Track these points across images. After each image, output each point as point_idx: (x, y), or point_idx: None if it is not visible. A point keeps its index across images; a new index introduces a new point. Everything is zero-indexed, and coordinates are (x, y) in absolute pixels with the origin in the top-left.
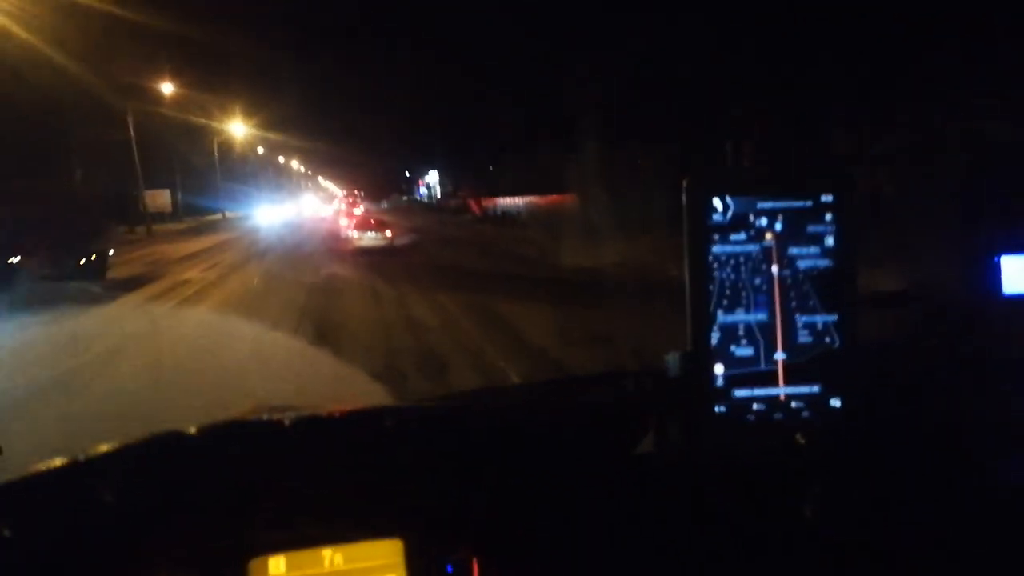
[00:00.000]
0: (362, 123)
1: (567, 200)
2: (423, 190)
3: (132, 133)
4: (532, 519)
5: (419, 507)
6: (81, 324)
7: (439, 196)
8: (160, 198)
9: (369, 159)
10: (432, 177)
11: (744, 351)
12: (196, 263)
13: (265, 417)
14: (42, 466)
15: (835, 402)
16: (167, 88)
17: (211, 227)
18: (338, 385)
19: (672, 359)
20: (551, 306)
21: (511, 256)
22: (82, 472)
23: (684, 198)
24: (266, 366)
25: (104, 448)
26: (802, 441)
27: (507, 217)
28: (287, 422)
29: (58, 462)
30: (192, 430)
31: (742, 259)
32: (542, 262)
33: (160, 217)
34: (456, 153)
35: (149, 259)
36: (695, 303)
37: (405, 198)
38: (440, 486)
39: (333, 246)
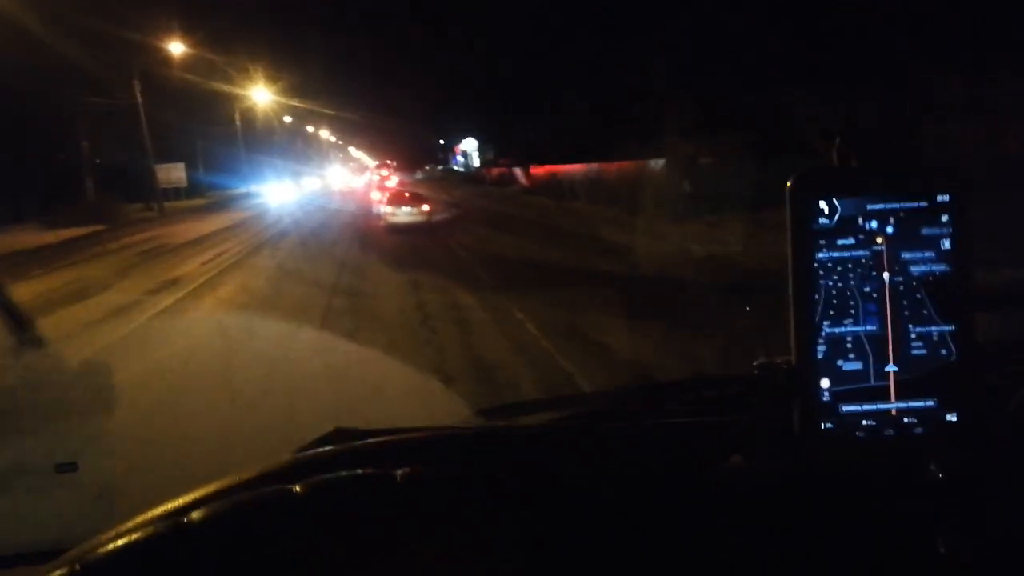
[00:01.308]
0: (395, 88)
1: (641, 168)
2: (459, 158)
3: (139, 97)
4: (620, 544)
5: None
6: None
7: (477, 165)
8: (174, 172)
9: (402, 127)
10: (469, 144)
11: (852, 365)
12: (198, 252)
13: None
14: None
15: (951, 417)
16: (180, 49)
17: (230, 204)
18: None
19: (761, 367)
20: (698, 333)
21: (587, 241)
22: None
23: (787, 200)
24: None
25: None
26: (939, 475)
27: (563, 188)
28: (399, 478)
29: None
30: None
31: (850, 265)
32: (634, 251)
33: (175, 193)
34: (499, 117)
35: (143, 247)
36: (799, 313)
37: (441, 168)
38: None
39: (363, 226)
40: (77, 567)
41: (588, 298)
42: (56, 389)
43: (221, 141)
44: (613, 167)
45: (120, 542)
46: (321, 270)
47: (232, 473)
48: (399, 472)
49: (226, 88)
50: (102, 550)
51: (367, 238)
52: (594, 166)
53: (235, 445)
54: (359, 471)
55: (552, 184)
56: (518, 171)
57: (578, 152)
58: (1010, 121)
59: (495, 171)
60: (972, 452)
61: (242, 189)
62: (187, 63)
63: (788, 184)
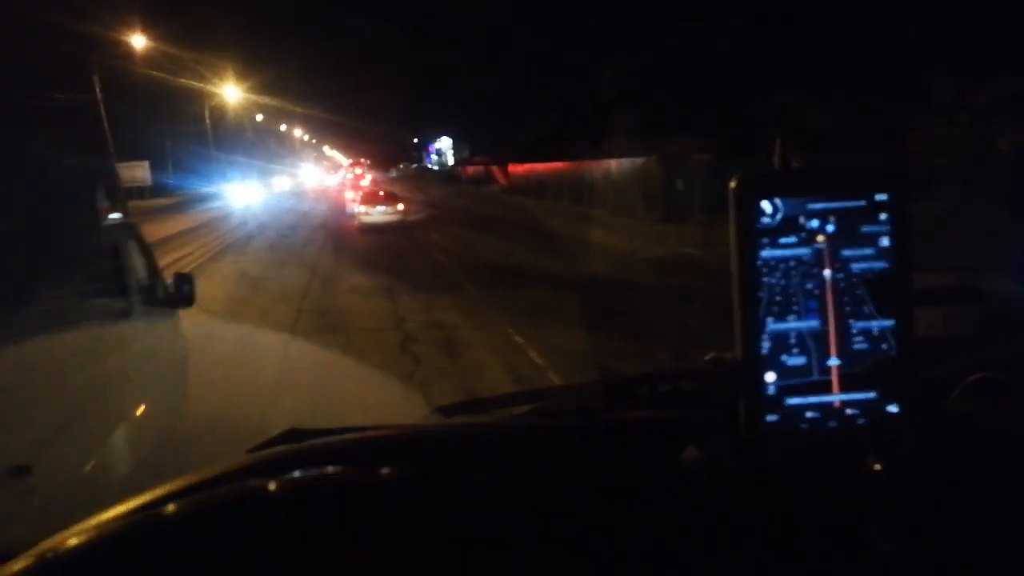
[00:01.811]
0: (368, 86)
1: (628, 167)
2: (433, 156)
3: (99, 93)
4: (575, 541)
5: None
6: None
7: (451, 163)
8: (137, 171)
9: (376, 125)
10: (444, 143)
11: (796, 360)
12: (158, 256)
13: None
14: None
15: (892, 408)
16: (143, 43)
17: (197, 204)
18: None
19: (711, 361)
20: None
21: (577, 245)
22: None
23: (731, 200)
24: None
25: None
26: (877, 467)
27: (544, 187)
28: (385, 476)
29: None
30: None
31: (792, 263)
32: (634, 257)
33: (138, 192)
34: (474, 115)
35: None
36: (744, 310)
37: (415, 166)
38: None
39: (336, 226)
40: (48, 556)
41: (592, 314)
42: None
43: (190, 140)
44: (598, 165)
45: (93, 535)
46: (289, 278)
47: (182, 476)
48: (381, 472)
49: (195, 84)
50: (74, 542)
51: (340, 240)
52: (577, 164)
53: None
54: (335, 469)
55: (532, 183)
56: (496, 170)
57: (558, 150)
58: (1003, 122)
59: (471, 169)
60: (911, 444)
61: (211, 188)
62: (153, 58)
63: (731, 185)
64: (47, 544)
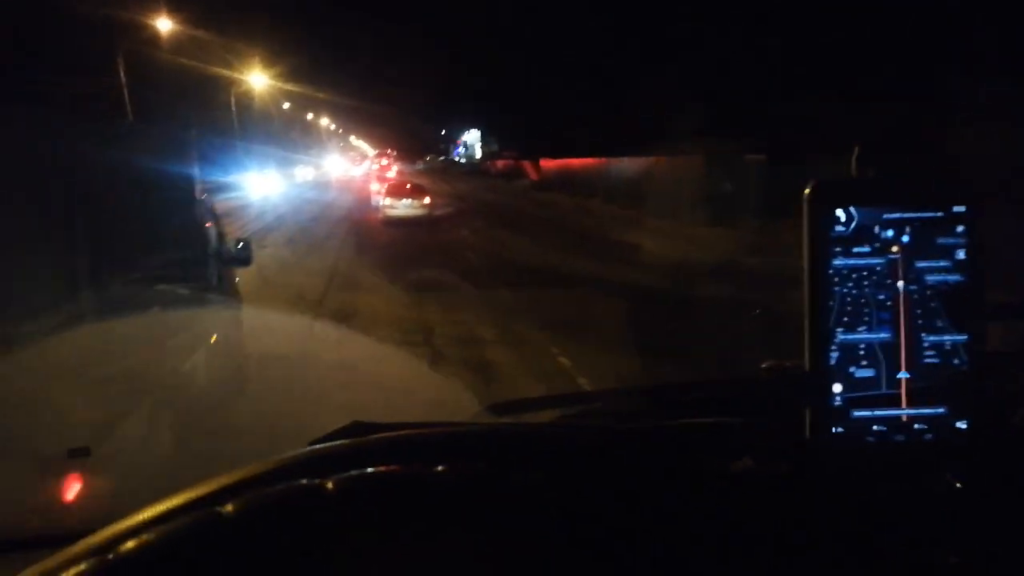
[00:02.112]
0: (397, 77)
1: (670, 165)
2: (460, 150)
3: (123, 78)
4: (625, 549)
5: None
6: None
7: (479, 156)
8: None
9: (403, 117)
10: (471, 135)
11: (864, 372)
12: None
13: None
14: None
15: (961, 424)
16: (169, 27)
17: (220, 193)
18: None
19: (769, 369)
20: None
21: (623, 250)
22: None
23: (805, 208)
24: None
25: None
26: (957, 484)
27: (577, 184)
28: (433, 475)
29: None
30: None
31: (865, 273)
32: (686, 263)
33: None
34: (504, 109)
35: None
36: (814, 320)
37: (442, 159)
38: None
39: (360, 218)
40: (110, 557)
41: (646, 332)
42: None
43: (216, 128)
44: (636, 163)
45: (153, 531)
46: (305, 279)
47: (247, 466)
48: (433, 469)
49: (222, 72)
50: (135, 539)
51: (364, 235)
52: (612, 161)
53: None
54: (391, 467)
55: (565, 179)
56: (526, 164)
57: (590, 146)
58: None
59: (500, 164)
60: (981, 462)
61: (228, 178)
62: (179, 44)
63: (806, 192)
64: (102, 536)
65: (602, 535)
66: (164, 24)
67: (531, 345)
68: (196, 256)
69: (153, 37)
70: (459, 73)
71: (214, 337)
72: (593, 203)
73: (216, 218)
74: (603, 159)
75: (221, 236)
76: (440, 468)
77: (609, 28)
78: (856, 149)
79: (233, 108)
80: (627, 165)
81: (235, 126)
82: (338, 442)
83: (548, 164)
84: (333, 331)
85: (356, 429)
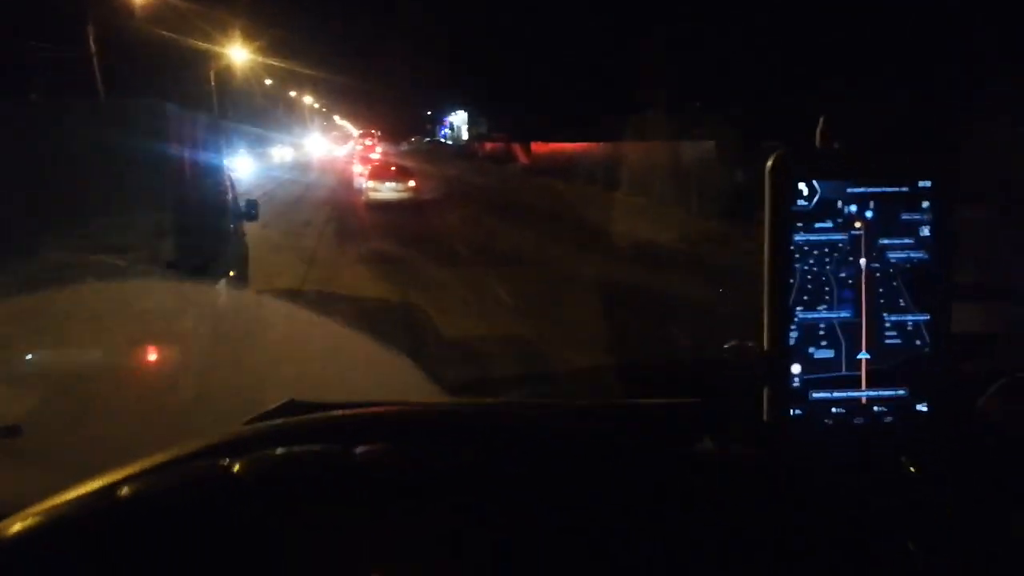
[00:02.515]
0: (382, 55)
1: (675, 151)
2: (446, 131)
3: (93, 47)
4: (586, 531)
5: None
6: None
7: (466, 138)
8: None
9: (388, 96)
10: (459, 117)
11: (824, 352)
12: None
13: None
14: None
15: (921, 406)
16: None
17: None
18: None
19: (731, 350)
20: None
21: (636, 245)
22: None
23: (766, 181)
24: None
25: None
26: (911, 469)
27: (572, 169)
28: (358, 456)
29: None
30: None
31: (827, 249)
32: (705, 262)
33: None
34: (495, 89)
35: None
36: (773, 297)
37: (428, 140)
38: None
39: (342, 202)
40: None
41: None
42: None
43: (195, 103)
44: (639, 148)
45: (49, 517)
46: (276, 275)
47: (176, 445)
48: (358, 450)
49: (200, 44)
50: (25, 525)
51: (345, 222)
52: (613, 146)
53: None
54: (312, 447)
55: (559, 164)
56: (517, 147)
57: (589, 129)
58: None
59: (489, 146)
60: (941, 445)
61: None
62: (155, 13)
63: (768, 163)
64: (4, 524)
65: (555, 515)
66: None
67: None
68: (225, 209)
69: (126, 4)
70: (447, 52)
71: (232, 271)
72: (592, 190)
73: (232, 183)
74: (601, 143)
75: (235, 197)
76: (368, 448)
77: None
78: (821, 121)
79: (212, 83)
80: (628, 150)
81: (214, 103)
82: (274, 422)
83: (540, 148)
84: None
85: (291, 408)
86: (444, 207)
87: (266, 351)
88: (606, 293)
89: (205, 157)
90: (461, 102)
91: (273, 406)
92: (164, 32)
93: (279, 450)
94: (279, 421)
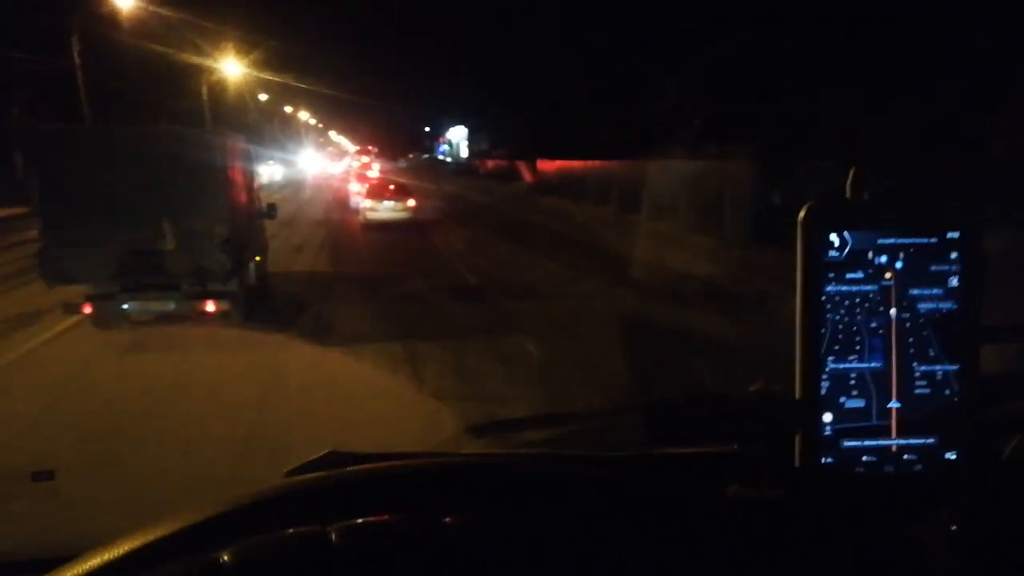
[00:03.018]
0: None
1: (703, 170)
2: (444, 147)
3: (77, 59)
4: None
5: None
6: None
7: (465, 155)
8: None
9: (386, 112)
10: (457, 133)
11: (855, 402)
12: None
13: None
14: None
15: (950, 455)
16: (130, 2)
17: None
18: None
19: (758, 392)
20: None
21: (670, 276)
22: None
23: (799, 231)
24: None
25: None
26: (959, 532)
27: (582, 188)
28: (333, 535)
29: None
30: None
31: (858, 300)
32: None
33: None
34: (497, 105)
35: None
36: (805, 346)
37: (426, 156)
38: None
39: (336, 224)
40: None
41: None
42: None
43: (189, 118)
44: (656, 166)
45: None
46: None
47: (226, 498)
48: (333, 529)
49: (192, 57)
50: None
51: (340, 249)
52: (625, 163)
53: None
54: (290, 531)
55: (567, 183)
56: (522, 165)
57: (595, 146)
58: None
59: (490, 163)
60: (972, 495)
61: None
62: (146, 24)
63: (800, 215)
64: (85, 566)
65: (598, 567)
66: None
67: None
68: (257, 208)
69: (113, 16)
70: (447, 67)
71: (258, 257)
72: (606, 211)
73: (257, 187)
74: (613, 161)
75: (259, 199)
76: (441, 517)
77: (611, 18)
78: (851, 172)
79: (205, 97)
80: (645, 168)
81: (206, 117)
82: (318, 475)
83: (547, 165)
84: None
85: (333, 459)
86: (447, 229)
87: (302, 394)
88: (645, 333)
89: (248, 171)
90: (460, 117)
91: (315, 457)
92: (155, 46)
93: (264, 537)
94: (323, 474)
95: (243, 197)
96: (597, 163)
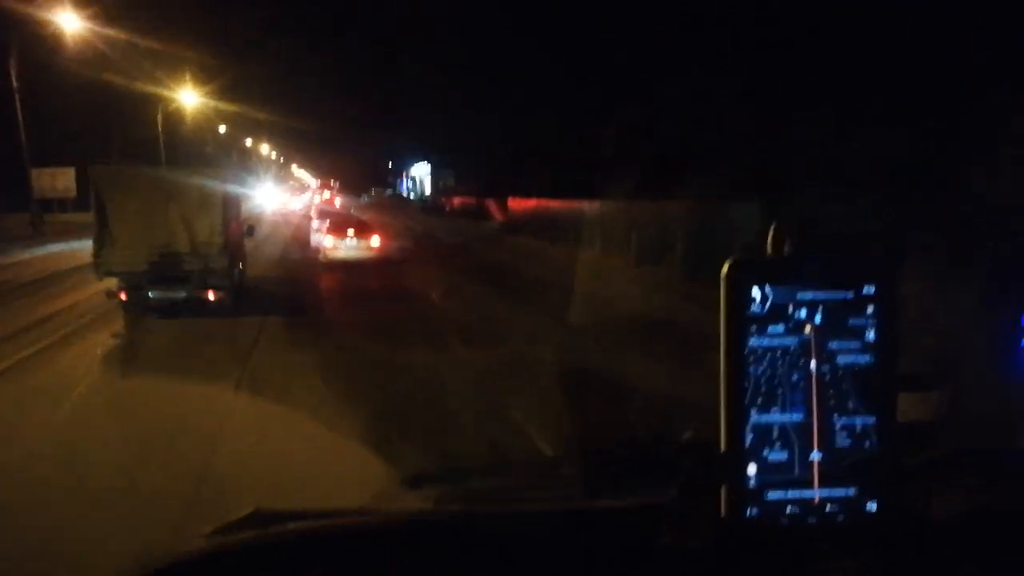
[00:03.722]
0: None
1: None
2: (406, 184)
3: (15, 83)
4: None
5: None
6: None
7: (428, 192)
8: (60, 179)
9: (349, 146)
10: (421, 169)
11: (778, 455)
12: (45, 300)
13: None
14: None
15: (871, 506)
16: (77, 25)
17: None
18: None
19: (688, 441)
20: None
21: (695, 338)
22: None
23: (722, 286)
24: None
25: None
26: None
27: (556, 228)
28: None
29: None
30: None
31: (779, 353)
32: None
33: (60, 205)
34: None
35: None
36: (729, 400)
37: (389, 192)
38: None
39: (294, 264)
40: None
41: None
42: None
43: (141, 149)
44: (643, 206)
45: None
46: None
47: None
48: None
49: (146, 86)
50: None
51: (298, 296)
52: (609, 204)
53: None
54: None
55: (540, 222)
56: (490, 203)
57: (570, 184)
58: None
59: (457, 200)
60: (892, 546)
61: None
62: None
63: (723, 270)
64: None
65: None
66: (70, 22)
67: None
68: (241, 231)
69: (56, 36)
70: (410, 103)
71: (240, 264)
72: (590, 254)
73: (240, 214)
74: (593, 200)
75: (242, 222)
76: None
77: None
78: (772, 227)
79: (160, 128)
80: (629, 208)
81: (161, 150)
82: (242, 535)
83: (518, 204)
84: None
85: (258, 518)
86: (419, 273)
87: (228, 444)
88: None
89: (237, 201)
90: (424, 153)
91: (238, 516)
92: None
93: None
94: (247, 535)
95: (234, 219)
96: (571, 202)
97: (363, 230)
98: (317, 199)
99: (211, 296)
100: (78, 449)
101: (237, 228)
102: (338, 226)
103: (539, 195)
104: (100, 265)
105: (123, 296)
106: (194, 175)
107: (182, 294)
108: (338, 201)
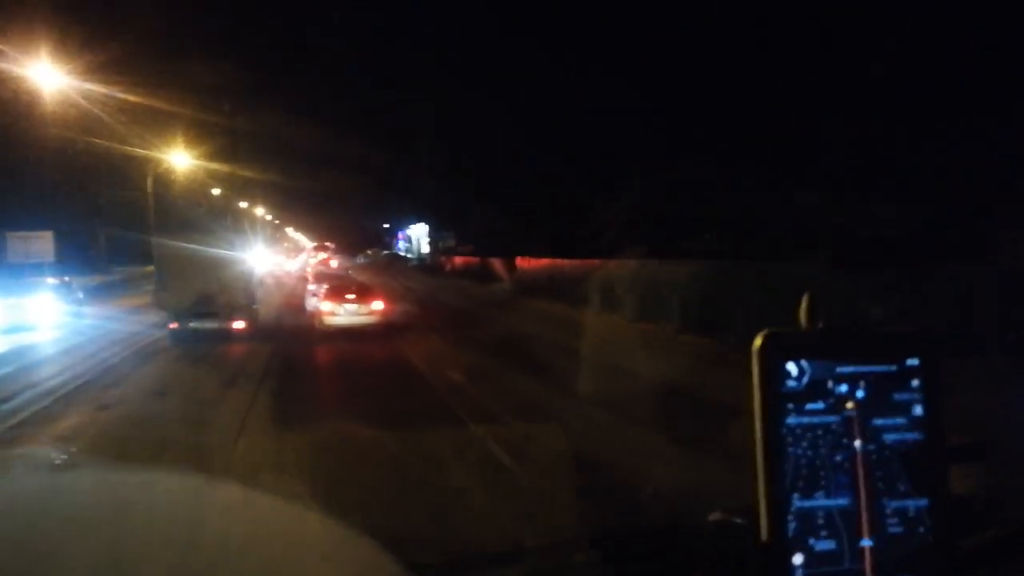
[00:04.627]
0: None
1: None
2: (402, 244)
3: None
4: None
5: None
6: None
7: (426, 251)
8: (35, 243)
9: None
10: (418, 229)
11: (825, 544)
12: None
13: None
14: None
15: None
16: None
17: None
18: None
19: (716, 524)
20: None
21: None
22: None
23: (755, 361)
24: None
25: None
26: None
27: (574, 290)
28: None
29: None
30: None
31: (820, 432)
32: None
33: (36, 269)
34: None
35: None
36: (769, 484)
37: (385, 252)
38: None
39: (289, 335)
40: None
41: None
42: None
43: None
44: (672, 266)
45: None
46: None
47: None
48: None
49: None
50: None
51: (286, 379)
52: (629, 263)
53: None
54: None
55: (553, 283)
56: (496, 263)
57: (581, 242)
58: None
59: (459, 260)
60: None
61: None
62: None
63: (755, 344)
64: None
65: None
66: (50, 78)
67: None
68: (257, 281)
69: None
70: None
71: (256, 305)
72: (615, 319)
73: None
74: (614, 259)
75: (257, 275)
76: None
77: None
78: (805, 299)
79: (150, 190)
80: (661, 269)
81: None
82: None
83: (527, 263)
84: None
85: None
86: (429, 346)
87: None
88: None
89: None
90: (421, 214)
91: None
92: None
93: None
94: None
95: (253, 273)
96: (585, 261)
97: (364, 294)
98: (313, 260)
99: (237, 325)
100: None
101: (254, 279)
102: (336, 290)
103: (541, 255)
104: (157, 302)
105: (173, 326)
106: (230, 246)
107: (215, 324)
108: (334, 262)
